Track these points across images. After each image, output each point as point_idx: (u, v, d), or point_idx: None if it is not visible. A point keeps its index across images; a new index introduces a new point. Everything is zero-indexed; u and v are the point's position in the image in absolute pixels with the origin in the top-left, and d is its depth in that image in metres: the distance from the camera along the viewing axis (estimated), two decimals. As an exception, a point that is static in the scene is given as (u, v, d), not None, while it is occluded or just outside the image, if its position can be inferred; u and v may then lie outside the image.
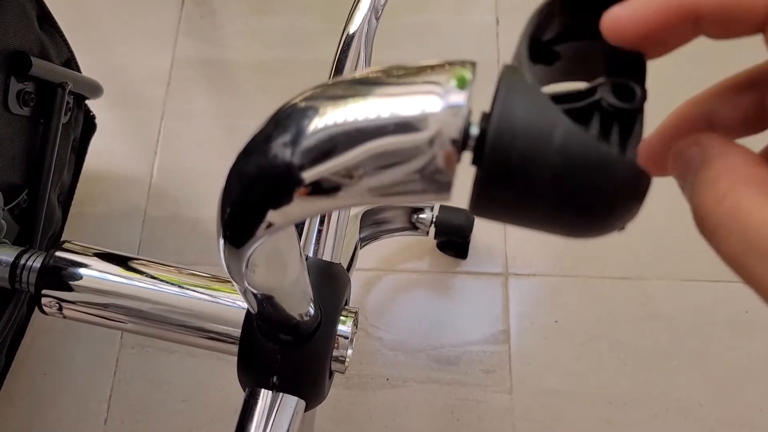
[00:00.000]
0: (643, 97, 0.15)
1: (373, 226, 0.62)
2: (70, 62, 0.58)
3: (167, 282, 0.39)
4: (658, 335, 0.66)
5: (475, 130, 0.15)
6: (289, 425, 0.35)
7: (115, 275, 0.39)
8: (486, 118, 0.15)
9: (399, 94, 0.15)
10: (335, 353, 0.36)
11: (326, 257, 0.43)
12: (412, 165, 0.15)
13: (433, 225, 0.65)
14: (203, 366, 0.67)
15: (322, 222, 0.43)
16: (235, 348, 0.36)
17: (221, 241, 0.21)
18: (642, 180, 0.15)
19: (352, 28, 0.43)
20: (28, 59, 0.48)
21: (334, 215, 0.44)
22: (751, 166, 0.15)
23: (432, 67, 0.16)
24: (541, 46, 0.17)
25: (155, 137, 0.78)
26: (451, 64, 0.15)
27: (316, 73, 0.80)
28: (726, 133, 0.17)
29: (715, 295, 0.67)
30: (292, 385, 0.35)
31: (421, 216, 0.64)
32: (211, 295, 0.38)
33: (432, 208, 0.65)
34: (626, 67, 0.16)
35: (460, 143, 0.14)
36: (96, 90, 0.62)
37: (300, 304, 0.31)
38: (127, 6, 0.86)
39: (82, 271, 0.39)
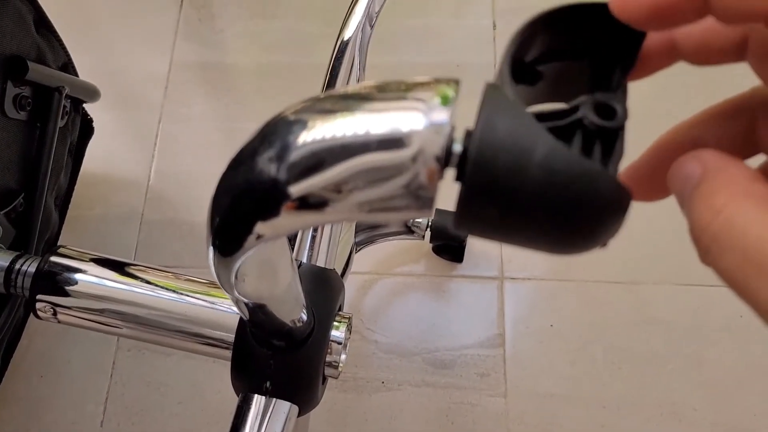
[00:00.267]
0: (625, 116, 0.15)
1: (368, 230, 0.62)
2: (67, 66, 0.58)
3: (162, 287, 0.39)
4: (652, 340, 0.66)
5: (458, 147, 0.15)
6: (282, 430, 0.35)
7: (110, 280, 0.39)
8: (469, 135, 0.15)
9: (384, 110, 0.15)
10: (328, 359, 0.36)
11: (320, 263, 0.43)
12: (397, 181, 0.15)
13: (428, 229, 0.66)
14: (200, 368, 0.67)
15: (316, 228, 0.43)
16: (229, 353, 0.36)
17: (211, 250, 0.21)
18: (623, 195, 0.15)
19: (347, 34, 0.44)
20: (25, 64, 0.48)
21: (329, 220, 0.44)
22: (748, 181, 0.15)
23: (418, 84, 0.16)
24: (524, 67, 0.17)
25: (153, 140, 0.78)
26: (437, 81, 0.16)
27: (314, 76, 0.80)
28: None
29: (710, 299, 0.67)
30: (285, 390, 0.35)
31: (416, 220, 0.65)
32: (206, 301, 0.38)
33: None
34: (608, 88, 0.17)
35: (443, 160, 0.15)
36: (93, 94, 0.62)
37: (292, 310, 0.31)
38: (126, 9, 0.86)
39: (77, 276, 0.39)
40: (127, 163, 0.77)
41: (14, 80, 0.48)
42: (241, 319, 0.36)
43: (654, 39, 0.17)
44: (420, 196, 0.15)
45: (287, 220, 0.17)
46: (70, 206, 0.67)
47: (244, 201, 0.18)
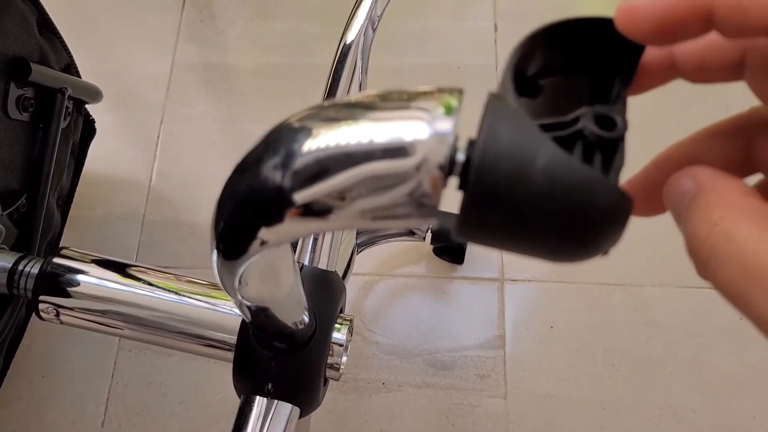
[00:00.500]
0: (625, 127, 0.16)
1: (369, 231, 0.62)
2: (70, 67, 0.58)
3: (164, 289, 0.39)
4: (652, 342, 0.66)
5: (461, 156, 0.15)
6: (284, 432, 0.35)
7: (112, 282, 0.39)
8: (472, 145, 0.15)
9: (389, 119, 0.16)
10: (330, 361, 0.37)
11: (322, 265, 0.43)
12: (401, 189, 0.15)
13: (429, 230, 0.66)
14: (201, 369, 0.67)
15: (318, 230, 0.43)
16: (231, 355, 0.36)
17: (215, 254, 0.21)
18: (625, 203, 0.15)
19: (349, 38, 0.44)
20: (28, 65, 0.49)
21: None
22: (743, 195, 0.15)
23: (422, 94, 0.16)
24: (526, 80, 0.17)
25: (155, 141, 0.78)
26: (441, 91, 0.16)
27: (315, 77, 0.80)
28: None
29: (710, 302, 0.67)
30: (287, 392, 0.35)
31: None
32: (208, 303, 0.38)
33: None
34: (607, 101, 0.17)
35: (447, 169, 0.15)
36: (95, 95, 0.62)
37: (294, 313, 0.32)
38: (128, 10, 0.87)
39: (79, 277, 0.39)
40: (129, 163, 0.77)
41: (17, 82, 0.49)
42: (243, 321, 0.36)
43: (653, 56, 0.17)
44: (423, 204, 0.15)
45: (291, 226, 0.17)
46: (72, 206, 0.67)
47: (249, 207, 0.18)
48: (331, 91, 0.43)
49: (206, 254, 0.79)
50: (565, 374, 0.65)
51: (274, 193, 0.17)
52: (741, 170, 0.18)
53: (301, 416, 0.36)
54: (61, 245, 0.62)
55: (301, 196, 0.16)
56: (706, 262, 0.15)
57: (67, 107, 0.55)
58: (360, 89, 0.45)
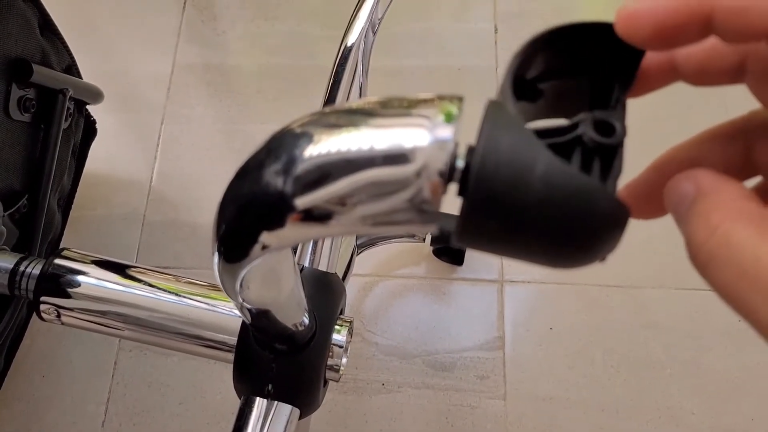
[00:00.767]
0: (623, 133, 0.16)
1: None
2: (71, 68, 0.58)
3: (165, 290, 0.39)
4: (651, 344, 0.67)
5: (461, 163, 0.15)
6: (284, 433, 0.35)
7: (113, 283, 0.39)
8: (471, 151, 0.15)
9: (389, 126, 0.16)
10: (330, 362, 0.37)
11: (322, 266, 0.43)
12: (401, 195, 0.15)
13: (429, 232, 0.66)
14: (201, 369, 0.67)
15: (318, 232, 0.43)
16: (231, 356, 0.36)
17: (216, 256, 0.21)
18: (622, 211, 0.15)
19: (350, 40, 0.44)
20: (30, 66, 0.49)
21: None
22: (742, 199, 0.15)
23: (422, 101, 0.16)
24: (525, 84, 0.17)
25: (155, 141, 0.79)
26: (441, 98, 0.16)
27: (315, 78, 0.81)
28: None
29: (709, 304, 0.68)
30: (287, 393, 0.35)
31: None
32: (208, 304, 0.39)
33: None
34: (607, 105, 0.17)
35: (447, 175, 0.15)
36: (97, 96, 0.62)
37: (295, 315, 0.32)
38: (129, 11, 0.87)
39: (80, 278, 0.39)
40: (130, 164, 0.77)
41: (19, 83, 0.49)
42: (243, 322, 0.36)
43: (654, 58, 0.17)
44: (424, 210, 0.15)
45: (292, 231, 0.17)
46: (73, 207, 0.67)
47: (250, 211, 0.18)
48: (332, 93, 0.43)
49: (207, 255, 0.80)
50: (565, 376, 0.66)
51: (275, 199, 0.17)
52: (741, 173, 0.18)
53: (301, 417, 0.36)
54: (61, 246, 0.63)
55: (302, 202, 0.16)
56: (705, 266, 0.15)
57: (68, 108, 0.56)
58: (360, 92, 0.45)
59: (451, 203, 0.16)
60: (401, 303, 0.70)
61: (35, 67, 0.49)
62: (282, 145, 0.17)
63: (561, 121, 0.16)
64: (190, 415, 0.65)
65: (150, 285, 0.39)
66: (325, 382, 0.38)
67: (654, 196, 0.18)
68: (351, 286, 0.69)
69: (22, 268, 0.40)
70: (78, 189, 0.67)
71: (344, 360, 0.37)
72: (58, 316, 0.40)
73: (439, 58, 0.82)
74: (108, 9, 0.87)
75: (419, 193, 0.15)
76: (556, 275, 0.70)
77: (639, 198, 0.19)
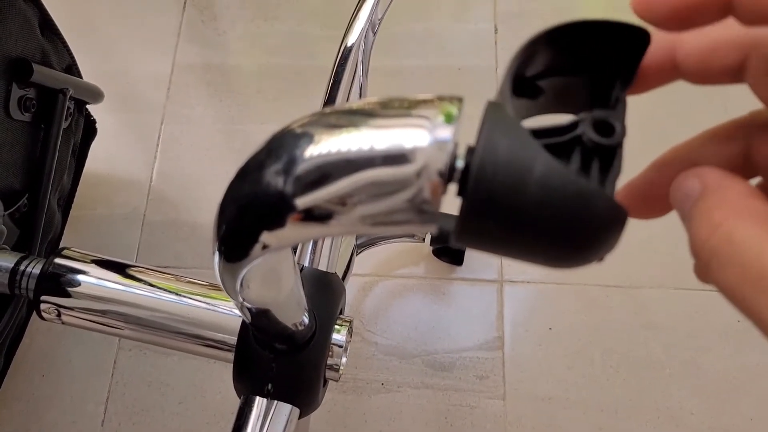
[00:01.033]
0: (623, 133, 0.16)
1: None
2: (72, 68, 0.58)
3: (165, 289, 0.39)
4: (650, 344, 0.67)
5: (460, 163, 0.15)
6: (283, 432, 0.35)
7: (113, 282, 0.39)
8: (471, 152, 0.15)
9: (390, 127, 0.16)
10: (329, 362, 0.37)
11: (322, 266, 0.43)
12: (401, 195, 0.15)
13: (429, 232, 0.66)
14: (201, 369, 0.67)
15: (318, 232, 0.43)
16: (231, 355, 0.36)
17: (216, 256, 0.21)
18: (619, 213, 0.15)
19: (350, 40, 0.44)
20: (30, 66, 0.49)
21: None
22: (747, 197, 0.15)
23: (422, 102, 0.16)
24: (525, 81, 0.18)
25: (155, 141, 0.79)
26: (441, 98, 0.16)
27: (316, 78, 0.81)
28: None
29: (708, 304, 0.68)
30: (287, 393, 0.35)
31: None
32: (208, 303, 0.39)
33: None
34: (607, 102, 0.17)
35: (446, 175, 0.15)
36: (97, 95, 0.62)
37: (295, 314, 0.32)
38: (129, 10, 0.87)
39: (80, 277, 0.39)
40: (130, 163, 0.78)
41: (19, 82, 0.49)
42: (243, 321, 0.36)
43: (655, 56, 0.17)
44: (424, 210, 0.15)
45: (293, 231, 0.17)
46: (73, 206, 0.67)
47: (251, 211, 0.18)
48: (332, 93, 0.44)
49: (207, 254, 0.80)
50: (564, 376, 0.66)
51: (276, 199, 0.17)
52: (741, 173, 0.18)
53: (300, 417, 0.36)
54: (61, 245, 0.63)
55: (302, 202, 0.17)
56: (707, 264, 0.15)
57: (68, 108, 0.56)
58: (361, 92, 0.45)
59: (451, 203, 0.16)
60: (401, 303, 0.70)
61: (35, 66, 0.49)
62: (282, 145, 0.17)
63: (561, 121, 0.16)
64: (190, 415, 0.65)
65: (150, 284, 0.39)
66: (325, 382, 0.38)
67: (653, 196, 0.18)
68: (351, 286, 0.69)
69: (22, 268, 0.40)
70: (78, 188, 0.67)
71: (344, 359, 0.37)
72: (59, 315, 0.40)
73: (439, 58, 0.82)
74: (108, 9, 0.87)
75: (419, 193, 0.15)
76: (555, 275, 0.70)
77: (638, 197, 0.19)
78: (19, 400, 0.66)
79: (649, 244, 0.70)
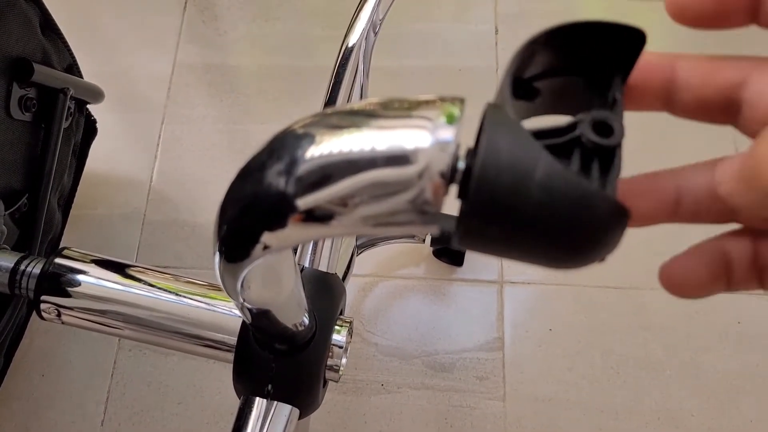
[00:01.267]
0: (622, 134, 0.16)
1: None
2: (72, 68, 0.58)
3: (165, 289, 0.39)
4: (650, 345, 0.67)
5: (461, 164, 0.15)
6: (283, 433, 0.35)
7: (113, 282, 0.39)
8: (471, 153, 0.15)
9: (391, 127, 0.16)
10: (329, 362, 0.37)
11: (322, 267, 0.43)
12: (403, 196, 0.15)
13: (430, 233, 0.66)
14: (200, 369, 0.67)
15: (318, 232, 0.43)
16: (231, 356, 0.36)
17: (217, 256, 0.21)
18: (622, 214, 0.15)
19: (351, 41, 0.44)
20: (31, 66, 0.49)
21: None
22: None
23: (424, 102, 0.16)
24: (522, 83, 0.18)
25: (156, 141, 0.79)
26: (443, 99, 0.16)
27: (316, 79, 0.81)
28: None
29: (708, 305, 0.68)
30: (287, 393, 0.35)
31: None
32: (208, 304, 0.39)
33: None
34: (605, 102, 0.17)
35: (448, 176, 0.15)
36: (97, 95, 0.62)
37: (295, 315, 0.32)
38: (130, 10, 0.87)
39: (80, 277, 0.39)
40: (130, 163, 0.78)
41: (20, 82, 0.49)
42: (243, 322, 0.36)
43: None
44: (425, 211, 0.15)
45: (294, 231, 0.17)
46: (73, 206, 0.67)
47: (252, 212, 0.18)
48: (333, 94, 0.44)
49: (207, 255, 0.80)
50: (564, 377, 0.66)
51: (277, 199, 0.17)
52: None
53: (300, 417, 0.36)
54: (62, 245, 0.63)
55: (303, 202, 0.17)
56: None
57: (69, 107, 0.56)
58: (362, 92, 0.45)
59: (451, 205, 0.16)
60: (401, 303, 0.70)
61: (36, 66, 0.49)
62: (284, 145, 0.17)
63: (559, 122, 0.16)
64: (190, 415, 0.65)
65: (150, 284, 0.39)
66: (325, 383, 0.38)
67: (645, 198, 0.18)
68: (351, 287, 0.69)
69: (22, 267, 0.40)
70: (78, 188, 0.67)
71: (344, 360, 0.37)
72: (59, 315, 0.40)
73: (439, 59, 0.82)
74: (109, 9, 0.87)
75: (421, 194, 0.15)
76: (555, 276, 0.70)
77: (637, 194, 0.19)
78: (19, 400, 0.66)
79: (649, 246, 0.70)
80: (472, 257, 0.71)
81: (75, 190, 0.66)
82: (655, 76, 0.17)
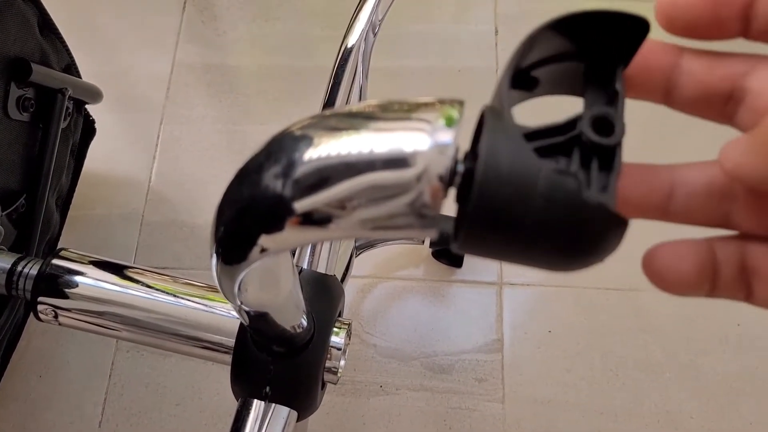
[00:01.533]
0: (622, 132, 0.16)
1: (368, 234, 0.62)
2: (71, 68, 0.58)
3: (162, 291, 0.39)
4: (650, 347, 0.67)
5: (461, 167, 0.15)
6: (281, 435, 0.35)
7: (110, 284, 0.39)
8: (468, 157, 0.15)
9: (390, 130, 0.16)
10: (328, 364, 0.37)
11: (321, 268, 0.43)
12: (401, 200, 0.15)
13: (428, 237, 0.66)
14: (198, 370, 0.67)
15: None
16: (229, 358, 0.36)
17: (214, 258, 0.21)
18: (621, 223, 0.15)
19: (350, 42, 0.44)
20: (29, 66, 0.49)
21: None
22: None
23: (423, 105, 0.16)
24: (521, 73, 0.17)
25: (154, 141, 0.78)
26: (442, 102, 0.16)
27: (316, 79, 0.80)
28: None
29: (708, 307, 0.67)
30: (285, 396, 0.35)
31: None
32: (206, 305, 0.38)
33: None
34: (605, 95, 0.17)
35: (447, 179, 0.15)
36: (96, 95, 0.62)
37: (293, 317, 0.32)
38: (129, 10, 0.87)
39: (78, 279, 0.39)
40: (129, 164, 0.77)
41: (18, 82, 0.49)
42: (241, 324, 0.36)
43: (657, 62, 0.17)
44: (424, 214, 0.15)
45: (291, 235, 0.17)
46: (71, 206, 0.67)
47: (249, 214, 0.18)
48: (332, 95, 0.43)
49: (205, 255, 0.79)
50: (563, 379, 0.65)
51: (274, 202, 0.17)
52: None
53: (298, 420, 0.36)
54: (60, 245, 0.62)
55: (301, 205, 0.16)
56: None
57: (67, 107, 0.55)
58: (361, 93, 0.45)
59: (449, 207, 0.16)
60: (400, 305, 0.69)
61: (34, 66, 0.49)
62: (282, 148, 0.17)
63: (558, 120, 0.16)
64: (187, 416, 0.65)
65: (148, 286, 0.39)
66: (323, 385, 0.38)
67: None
68: (350, 288, 0.69)
69: (19, 269, 0.40)
70: (77, 188, 0.67)
71: (342, 362, 0.37)
72: (56, 316, 0.39)
73: (439, 60, 0.82)
74: (108, 8, 0.87)
75: (419, 197, 0.15)
76: (555, 278, 0.69)
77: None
78: (16, 401, 0.66)
79: (648, 247, 0.70)
80: (471, 259, 0.70)
81: (73, 191, 0.66)
82: (658, 61, 0.17)
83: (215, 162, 0.77)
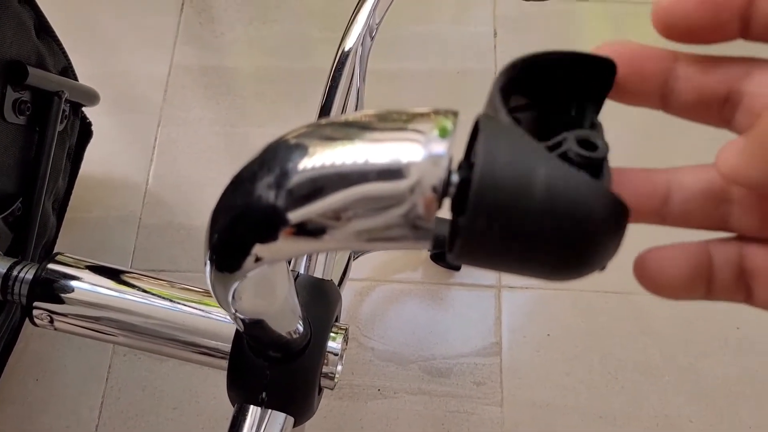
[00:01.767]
0: (606, 149, 0.16)
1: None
2: (67, 70, 0.58)
3: (159, 296, 0.39)
4: (649, 350, 0.66)
5: (455, 178, 0.15)
6: (277, 442, 0.35)
7: (106, 289, 0.39)
8: (462, 166, 0.15)
9: (384, 140, 0.16)
10: (324, 370, 0.37)
11: (318, 273, 0.43)
12: (395, 211, 0.15)
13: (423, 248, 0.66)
14: (195, 374, 0.67)
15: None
16: (225, 363, 0.36)
17: (208, 265, 0.21)
18: (623, 210, 0.15)
19: (348, 45, 0.44)
20: (25, 69, 0.48)
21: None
22: None
23: (418, 115, 0.16)
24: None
25: (152, 144, 0.78)
26: (436, 112, 0.16)
27: (313, 81, 0.80)
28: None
29: (707, 311, 0.67)
30: (281, 401, 0.35)
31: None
32: (203, 310, 0.38)
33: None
34: (581, 126, 0.17)
35: (440, 191, 0.15)
36: (93, 98, 0.62)
37: (289, 323, 0.32)
38: (126, 12, 0.86)
39: (74, 283, 0.39)
40: (126, 166, 0.77)
41: (14, 85, 0.48)
42: (237, 330, 0.36)
43: (654, 66, 0.17)
44: (418, 226, 0.15)
45: (286, 245, 0.17)
46: (68, 209, 0.67)
47: (242, 223, 0.18)
48: (329, 98, 0.43)
49: (202, 259, 0.79)
50: (562, 382, 0.65)
51: (267, 212, 0.17)
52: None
53: (295, 425, 0.36)
54: (56, 249, 0.62)
55: (295, 215, 0.16)
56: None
57: (63, 110, 0.55)
58: (358, 96, 0.45)
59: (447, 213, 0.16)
60: (398, 308, 0.69)
61: (30, 69, 0.49)
62: (276, 156, 0.17)
63: (544, 142, 0.16)
64: (184, 420, 0.65)
65: (144, 291, 0.39)
66: (320, 390, 0.38)
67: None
68: (347, 291, 0.69)
69: (14, 273, 0.40)
70: (73, 191, 0.66)
71: (339, 367, 0.37)
72: (51, 321, 0.39)
73: (438, 62, 0.82)
74: (105, 10, 0.87)
75: (413, 209, 0.15)
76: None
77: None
78: (13, 404, 0.66)
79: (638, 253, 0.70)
80: (469, 261, 0.70)
81: (70, 194, 0.66)
82: (654, 68, 0.17)
83: (212, 164, 0.77)
